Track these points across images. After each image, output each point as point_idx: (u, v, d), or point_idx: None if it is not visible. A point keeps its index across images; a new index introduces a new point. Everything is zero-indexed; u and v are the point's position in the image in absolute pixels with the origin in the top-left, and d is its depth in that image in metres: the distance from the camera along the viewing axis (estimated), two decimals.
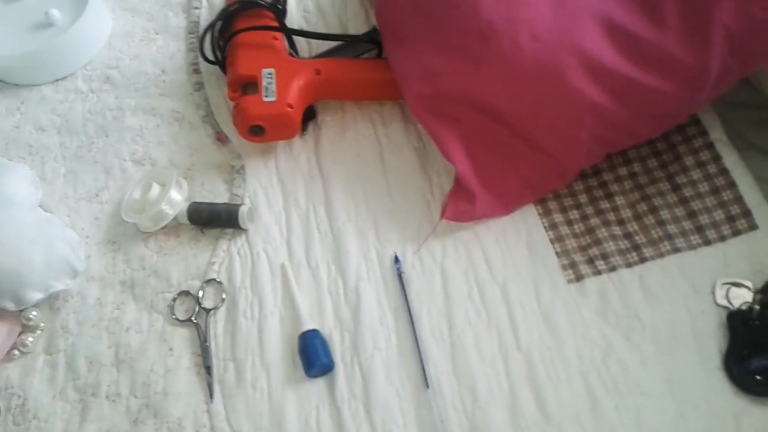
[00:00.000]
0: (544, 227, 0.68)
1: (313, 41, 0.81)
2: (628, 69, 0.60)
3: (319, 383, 0.62)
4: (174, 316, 0.67)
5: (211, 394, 0.62)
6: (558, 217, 0.69)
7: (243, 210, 0.70)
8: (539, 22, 0.62)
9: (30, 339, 0.67)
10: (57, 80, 0.84)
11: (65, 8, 0.84)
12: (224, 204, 0.72)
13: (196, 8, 0.86)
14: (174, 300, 0.68)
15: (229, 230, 0.71)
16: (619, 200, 0.68)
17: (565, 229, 0.68)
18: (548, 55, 0.61)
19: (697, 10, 0.60)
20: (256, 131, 0.72)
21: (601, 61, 0.60)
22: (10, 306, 0.67)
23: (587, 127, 0.63)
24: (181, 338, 0.66)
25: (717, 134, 0.69)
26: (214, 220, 0.71)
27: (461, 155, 0.67)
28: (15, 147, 0.79)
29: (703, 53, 0.59)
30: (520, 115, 0.65)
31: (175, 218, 0.72)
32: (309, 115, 0.77)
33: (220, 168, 0.76)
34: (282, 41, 0.77)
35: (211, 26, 0.78)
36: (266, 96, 0.71)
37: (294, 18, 0.83)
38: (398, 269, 0.66)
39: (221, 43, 0.78)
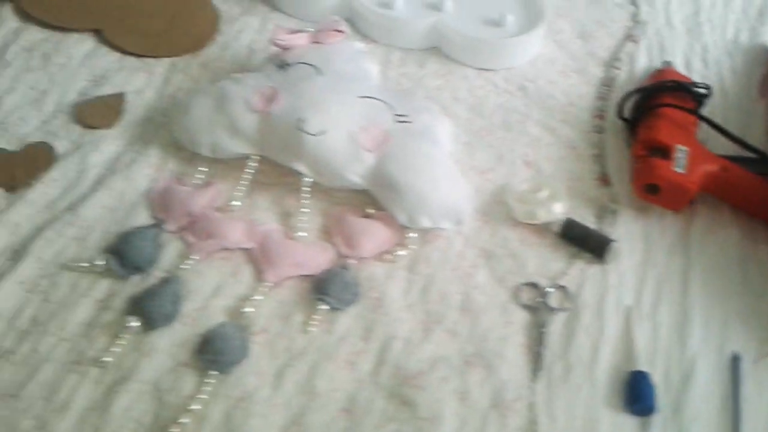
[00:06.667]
0: None
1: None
2: None
3: (635, 420, 0.67)
4: (518, 298, 0.76)
5: (535, 376, 0.70)
6: None
7: (614, 245, 0.78)
8: None
9: (400, 252, 0.78)
10: (481, 69, 0.98)
11: (519, 18, 0.99)
12: (597, 232, 0.80)
13: (617, 68, 0.98)
14: (522, 285, 0.77)
15: (587, 255, 0.79)
16: None
17: None
18: None
19: None
20: (651, 189, 0.80)
21: None
22: (402, 219, 0.78)
23: None
24: (520, 318, 0.74)
25: None
26: (582, 240, 0.79)
27: None
28: (432, 103, 0.93)
29: None
30: None
31: (544, 223, 0.81)
32: None
33: (592, 202, 0.84)
34: (696, 128, 0.87)
35: (640, 90, 0.89)
36: (677, 166, 0.80)
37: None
38: (737, 366, 0.71)
39: (639, 106, 0.88)
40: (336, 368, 0.69)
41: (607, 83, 0.96)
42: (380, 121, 0.81)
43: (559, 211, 0.81)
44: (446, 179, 0.80)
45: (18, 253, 0.75)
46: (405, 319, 0.73)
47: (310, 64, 0.85)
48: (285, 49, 0.88)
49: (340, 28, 0.90)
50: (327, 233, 0.80)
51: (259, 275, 0.75)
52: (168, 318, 0.70)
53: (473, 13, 1.00)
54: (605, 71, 0.99)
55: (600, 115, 0.93)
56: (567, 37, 1.04)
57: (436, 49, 1.00)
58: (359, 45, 0.93)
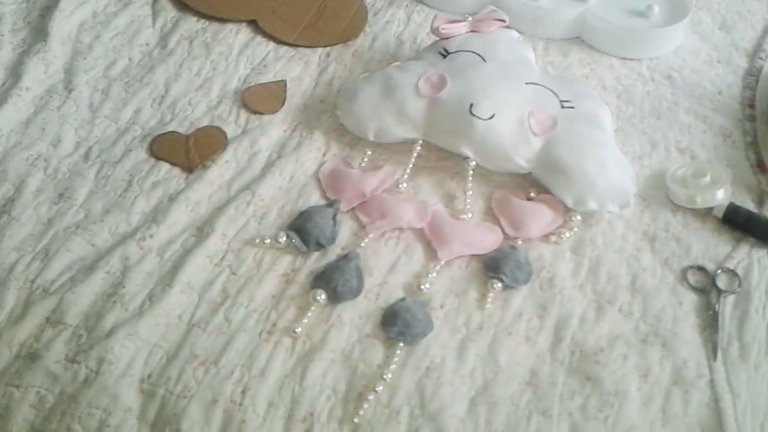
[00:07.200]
0: None
1: None
2: None
3: None
4: (686, 280, 0.78)
5: (714, 356, 0.71)
6: None
7: None
8: None
9: (565, 234, 0.81)
10: (625, 59, 1.00)
11: (664, 9, 1.00)
12: (763, 217, 0.81)
13: (761, 59, 0.99)
14: (688, 268, 0.78)
15: (751, 240, 0.80)
16: None
17: None
18: None
19: None
20: None
21: None
22: (569, 201, 0.80)
23: None
24: (690, 300, 0.76)
25: None
26: (748, 225, 0.80)
27: None
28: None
29: None
30: None
31: (705, 208, 0.82)
32: None
33: (749, 189, 0.85)
34: None
35: None
36: None
37: None
38: None
39: None
40: (515, 344, 0.72)
41: (754, 73, 0.97)
42: (547, 107, 0.83)
43: (721, 197, 0.83)
44: (613, 163, 0.82)
45: (201, 230, 0.80)
46: (577, 299, 0.75)
47: (474, 52, 0.88)
48: (445, 38, 0.91)
49: (501, 17, 0.92)
50: (489, 215, 0.83)
51: (431, 254, 0.79)
52: (354, 292, 0.74)
53: (617, 3, 1.01)
54: (749, 62, 0.99)
55: (751, 103, 0.94)
56: (708, 28, 1.04)
57: (577, 40, 1.02)
58: (515, 33, 0.95)
